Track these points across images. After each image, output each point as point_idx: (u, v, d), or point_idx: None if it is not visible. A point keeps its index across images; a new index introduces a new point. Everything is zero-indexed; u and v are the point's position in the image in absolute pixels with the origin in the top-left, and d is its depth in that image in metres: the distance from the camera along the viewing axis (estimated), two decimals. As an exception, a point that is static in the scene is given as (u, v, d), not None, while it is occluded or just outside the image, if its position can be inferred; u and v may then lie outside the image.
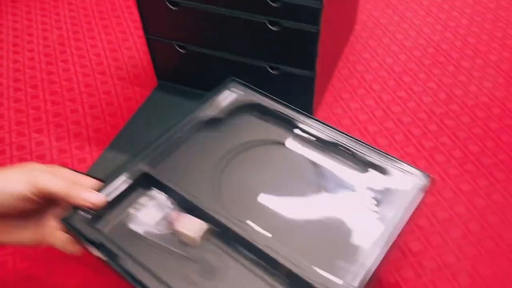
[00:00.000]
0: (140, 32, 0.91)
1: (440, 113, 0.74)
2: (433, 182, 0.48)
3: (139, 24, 0.93)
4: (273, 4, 0.59)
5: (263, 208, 0.47)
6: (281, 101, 0.56)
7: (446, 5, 0.96)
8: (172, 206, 0.47)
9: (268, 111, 0.56)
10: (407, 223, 0.45)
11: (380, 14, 0.94)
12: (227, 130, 0.55)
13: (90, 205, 0.44)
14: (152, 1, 0.67)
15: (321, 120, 0.55)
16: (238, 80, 0.58)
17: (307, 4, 0.58)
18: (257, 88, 0.58)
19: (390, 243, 0.43)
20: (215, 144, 0.53)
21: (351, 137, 0.52)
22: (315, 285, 0.40)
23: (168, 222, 0.45)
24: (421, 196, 0.46)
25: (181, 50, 0.72)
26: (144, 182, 0.49)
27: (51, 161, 0.69)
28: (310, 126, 0.54)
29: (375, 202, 0.47)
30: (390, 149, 0.69)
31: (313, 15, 0.59)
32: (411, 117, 0.74)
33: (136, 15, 0.95)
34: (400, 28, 0.91)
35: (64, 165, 0.66)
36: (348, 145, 0.52)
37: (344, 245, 0.44)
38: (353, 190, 0.49)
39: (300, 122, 0.54)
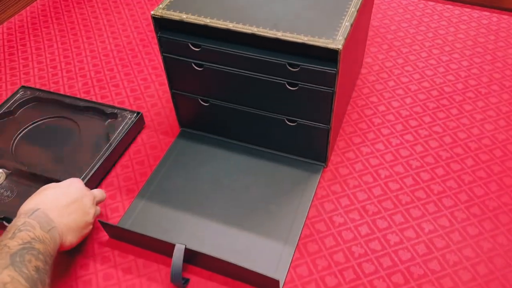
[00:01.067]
0: (161, 80, 0.96)
1: (446, 157, 0.80)
2: (140, 117, 0.84)
3: (159, 72, 0.98)
4: (293, 69, 0.65)
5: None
6: (56, 92, 0.92)
7: (448, 47, 1.02)
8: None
9: (45, 100, 0.89)
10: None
11: (384, 57, 1.00)
12: (19, 115, 0.88)
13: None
14: (178, 63, 0.73)
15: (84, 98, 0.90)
16: (28, 86, 0.92)
17: (324, 70, 0.63)
18: (44, 89, 0.92)
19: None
20: (9, 125, 0.86)
21: (97, 103, 0.88)
22: None
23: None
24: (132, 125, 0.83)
25: (204, 104, 0.78)
26: None
27: (86, 211, 0.74)
28: (75, 101, 0.88)
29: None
30: (401, 193, 0.75)
31: (329, 79, 0.64)
32: (419, 161, 0.79)
33: (155, 62, 1.01)
34: (404, 71, 0.97)
35: (100, 214, 0.72)
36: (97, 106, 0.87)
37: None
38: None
39: (68, 101, 0.88)
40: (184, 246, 0.62)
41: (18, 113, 0.88)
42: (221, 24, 0.65)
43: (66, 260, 0.68)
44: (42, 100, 0.90)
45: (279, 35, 0.63)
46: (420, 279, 0.64)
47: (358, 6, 0.67)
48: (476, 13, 1.11)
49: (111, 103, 0.91)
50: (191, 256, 0.65)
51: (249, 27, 0.64)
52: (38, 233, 0.55)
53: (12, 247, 0.52)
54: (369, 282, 0.64)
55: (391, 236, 0.69)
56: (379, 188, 0.75)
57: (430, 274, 0.65)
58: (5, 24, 1.14)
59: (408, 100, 0.90)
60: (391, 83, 0.94)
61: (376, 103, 0.90)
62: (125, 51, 1.04)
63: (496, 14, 1.10)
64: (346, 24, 0.63)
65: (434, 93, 0.92)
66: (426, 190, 0.75)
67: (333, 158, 0.81)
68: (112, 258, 0.68)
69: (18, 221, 0.57)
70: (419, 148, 0.82)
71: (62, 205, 0.62)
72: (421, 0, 1.16)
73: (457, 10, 1.12)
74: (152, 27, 1.09)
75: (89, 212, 0.65)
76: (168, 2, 0.69)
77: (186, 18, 0.66)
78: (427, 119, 0.87)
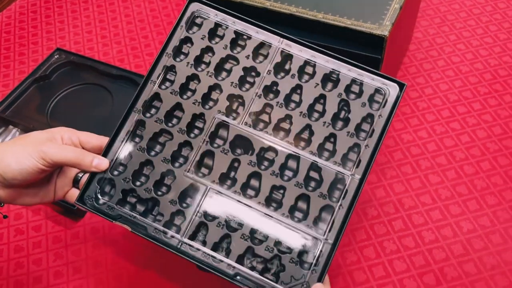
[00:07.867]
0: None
1: (493, 150, 0.74)
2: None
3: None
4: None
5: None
6: (91, 58, 0.90)
7: (507, 23, 0.93)
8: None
9: (79, 65, 0.89)
10: None
11: (435, 32, 0.93)
12: (54, 79, 0.89)
13: (97, 170, 0.50)
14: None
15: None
16: (63, 49, 0.91)
17: (367, 55, 0.58)
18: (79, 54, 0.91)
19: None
20: (45, 90, 0.87)
21: (131, 72, 0.87)
22: None
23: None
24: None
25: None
26: None
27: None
28: (109, 69, 0.87)
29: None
30: (441, 186, 0.70)
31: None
32: (464, 153, 0.74)
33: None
34: (456, 49, 0.89)
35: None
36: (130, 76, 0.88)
37: None
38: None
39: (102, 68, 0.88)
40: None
41: (53, 77, 0.89)
42: (257, 2, 0.60)
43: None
44: (76, 65, 0.90)
45: (320, 17, 0.58)
46: None
47: (410, -15, 0.60)
48: (543, -16, 1.00)
49: (144, 73, 0.89)
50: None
51: (287, 7, 0.59)
52: None
53: None
54: None
55: (448, 270, 0.63)
56: (418, 181, 0.71)
57: None
58: (42, -17, 1.12)
59: (457, 83, 0.84)
60: (441, 63, 0.87)
61: (422, 85, 0.84)
62: (160, 17, 1.01)
63: None
64: (395, 7, 0.57)
65: (487, 76, 0.84)
66: (469, 185, 0.70)
67: (371, 144, 0.76)
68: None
69: None
70: (465, 137, 0.76)
71: None
72: (481, -33, 1.05)
73: (522, -20, 1.01)
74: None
75: None
76: (203, -25, 0.65)
77: (221, -7, 0.62)
78: (477, 106, 0.80)
